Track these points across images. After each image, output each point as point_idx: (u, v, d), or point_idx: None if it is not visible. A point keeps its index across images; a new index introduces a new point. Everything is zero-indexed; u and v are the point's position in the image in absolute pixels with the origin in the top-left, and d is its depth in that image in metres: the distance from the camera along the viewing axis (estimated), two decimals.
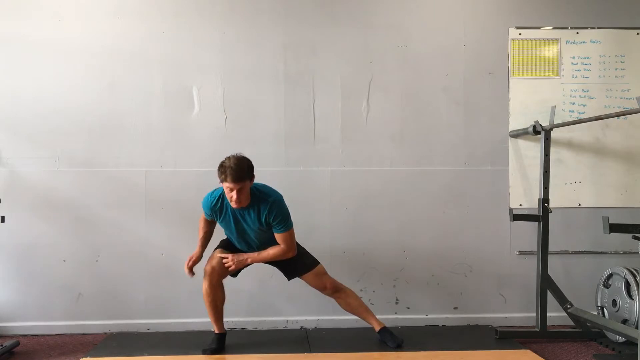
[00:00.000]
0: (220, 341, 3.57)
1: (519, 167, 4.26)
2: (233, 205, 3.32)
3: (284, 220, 3.40)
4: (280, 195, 3.44)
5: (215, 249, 3.59)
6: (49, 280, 4.04)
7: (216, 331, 3.59)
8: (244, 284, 4.13)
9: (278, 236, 3.43)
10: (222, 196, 3.43)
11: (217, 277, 3.50)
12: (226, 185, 3.27)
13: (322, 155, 4.17)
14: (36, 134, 4.06)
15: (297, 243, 3.52)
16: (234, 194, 3.26)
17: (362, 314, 3.69)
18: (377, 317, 3.71)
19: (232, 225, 3.46)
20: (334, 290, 3.61)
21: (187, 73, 4.14)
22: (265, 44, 4.17)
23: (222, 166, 3.28)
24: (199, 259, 3.56)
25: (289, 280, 3.66)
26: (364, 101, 4.21)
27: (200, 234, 3.61)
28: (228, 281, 4.14)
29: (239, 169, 3.23)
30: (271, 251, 3.47)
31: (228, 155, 3.31)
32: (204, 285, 3.49)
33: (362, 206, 4.18)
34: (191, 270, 3.51)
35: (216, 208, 3.44)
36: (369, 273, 4.16)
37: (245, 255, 3.49)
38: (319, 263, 3.60)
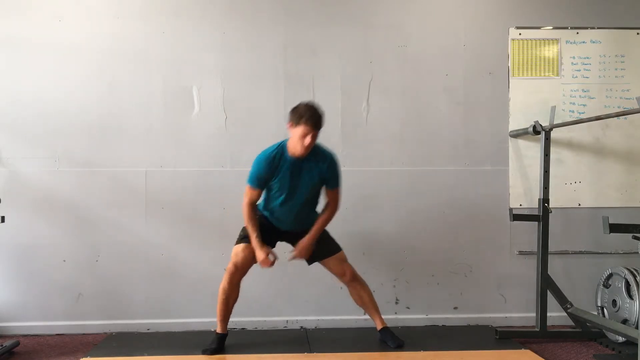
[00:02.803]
0: (221, 342, 3.56)
1: (519, 167, 4.26)
2: (302, 150, 3.31)
3: (339, 177, 3.52)
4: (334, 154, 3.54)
5: (238, 242, 3.53)
6: (49, 280, 4.04)
7: (218, 331, 3.57)
8: (244, 284, 4.13)
9: (331, 192, 3.51)
10: (278, 150, 3.40)
11: (240, 276, 3.48)
12: (302, 131, 3.26)
13: None
14: (36, 134, 4.06)
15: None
16: (308, 139, 3.27)
17: (369, 309, 3.69)
18: None
19: (287, 180, 3.40)
20: (352, 278, 3.60)
21: (187, 73, 4.14)
22: (265, 44, 4.17)
23: (299, 110, 3.30)
24: (269, 251, 3.46)
25: (309, 264, 3.63)
26: (364, 101, 4.21)
27: (251, 222, 3.48)
28: None
29: (320, 116, 3.30)
30: (321, 220, 3.53)
31: (299, 103, 3.36)
32: (223, 283, 3.46)
33: (362, 206, 4.18)
34: (272, 263, 3.46)
35: (275, 162, 3.39)
36: (369, 273, 4.15)
37: (306, 242, 3.49)
38: (341, 249, 3.62)
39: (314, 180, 3.44)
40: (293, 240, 3.56)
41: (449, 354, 3.48)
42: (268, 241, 3.51)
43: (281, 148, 3.41)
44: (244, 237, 3.52)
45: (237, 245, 3.52)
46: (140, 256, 4.09)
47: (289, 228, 3.58)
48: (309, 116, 3.26)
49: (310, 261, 3.61)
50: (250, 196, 3.48)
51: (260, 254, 3.41)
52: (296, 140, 3.31)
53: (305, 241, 3.49)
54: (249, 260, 3.46)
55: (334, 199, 3.53)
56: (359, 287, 3.64)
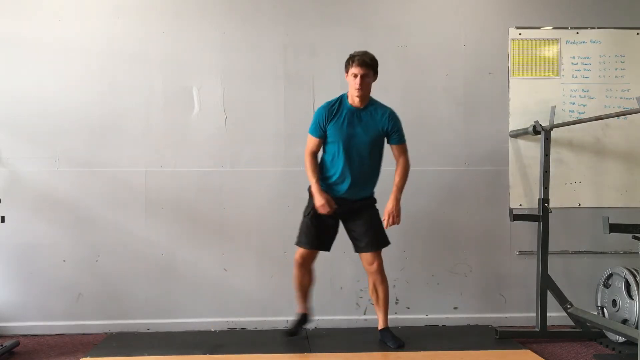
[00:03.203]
0: (301, 320, 3.78)
1: (519, 167, 4.26)
2: (355, 93, 3.42)
3: (401, 131, 3.53)
4: None
5: (300, 232, 3.60)
6: (49, 280, 4.04)
7: (298, 311, 3.78)
8: (244, 283, 4.14)
9: (397, 147, 3.54)
10: (338, 99, 3.54)
11: (307, 265, 3.64)
12: (352, 72, 3.43)
13: None
14: (36, 134, 4.06)
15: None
16: (357, 80, 3.37)
17: (379, 306, 3.67)
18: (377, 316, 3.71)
19: (344, 127, 3.47)
20: (378, 270, 3.58)
21: (187, 73, 4.14)
22: (265, 44, 4.17)
23: (350, 56, 3.47)
24: (328, 197, 3.50)
25: (357, 251, 3.62)
26: None
27: (311, 168, 3.55)
28: (228, 281, 4.15)
29: (366, 56, 3.42)
30: (398, 178, 3.54)
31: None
32: (295, 270, 3.64)
33: None
34: (331, 209, 3.49)
35: (333, 109, 3.50)
36: None
37: (392, 207, 3.51)
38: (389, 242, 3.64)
39: (372, 132, 3.48)
40: (350, 217, 3.56)
41: (449, 354, 3.48)
42: (325, 223, 3.55)
43: (340, 98, 3.55)
44: (307, 218, 3.58)
45: (298, 239, 3.61)
46: (140, 256, 4.09)
47: (346, 192, 3.52)
48: (356, 56, 3.41)
49: (362, 249, 3.58)
50: (311, 145, 3.59)
51: (319, 200, 3.47)
52: (350, 87, 3.44)
53: (390, 206, 3.51)
54: (311, 254, 3.61)
55: (402, 154, 3.55)
56: (379, 281, 3.61)
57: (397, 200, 3.53)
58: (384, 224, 3.55)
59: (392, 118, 3.52)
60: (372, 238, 3.55)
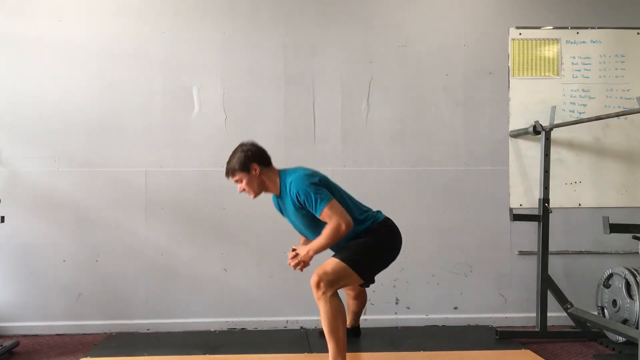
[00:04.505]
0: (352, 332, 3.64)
1: (519, 167, 4.26)
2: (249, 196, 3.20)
3: (311, 196, 2.96)
4: (302, 172, 3.08)
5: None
6: (49, 280, 4.04)
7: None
8: (244, 284, 4.14)
9: (320, 217, 2.99)
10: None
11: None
12: None
13: (322, 155, 4.17)
14: (36, 134, 4.06)
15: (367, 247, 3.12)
16: (238, 187, 3.18)
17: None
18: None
19: (286, 218, 3.27)
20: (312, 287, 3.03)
21: (187, 73, 4.14)
22: (265, 44, 4.17)
23: None
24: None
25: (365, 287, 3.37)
26: (364, 101, 4.21)
27: None
28: (228, 281, 4.15)
29: (229, 165, 3.14)
30: (322, 233, 3.00)
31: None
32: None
33: None
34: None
35: (274, 202, 3.32)
36: None
37: (304, 253, 3.05)
38: (350, 261, 3.09)
39: (293, 211, 3.12)
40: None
41: (449, 354, 3.47)
42: None
43: None
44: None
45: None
46: (140, 256, 4.09)
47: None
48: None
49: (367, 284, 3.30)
50: None
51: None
52: None
53: (303, 253, 3.05)
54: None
55: (330, 219, 2.97)
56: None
57: (313, 251, 3.03)
58: (290, 261, 3.10)
59: (293, 191, 3.02)
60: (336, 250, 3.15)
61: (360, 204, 3.27)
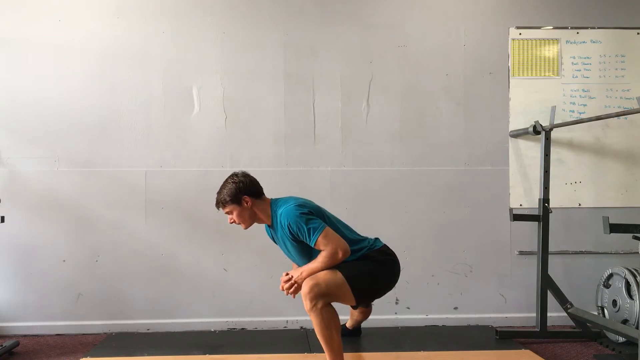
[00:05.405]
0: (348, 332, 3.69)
1: (519, 167, 4.26)
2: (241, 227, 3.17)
3: (303, 227, 2.93)
4: (292, 203, 3.04)
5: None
6: (49, 280, 4.04)
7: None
8: (244, 283, 4.14)
9: (316, 247, 2.95)
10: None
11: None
12: None
13: (322, 155, 4.17)
14: (36, 134, 4.06)
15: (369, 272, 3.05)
16: (229, 218, 3.14)
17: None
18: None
19: (279, 246, 3.24)
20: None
21: (187, 73, 4.13)
22: (265, 44, 4.17)
23: None
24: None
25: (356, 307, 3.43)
26: (364, 101, 4.21)
27: None
28: (228, 281, 4.15)
29: (219, 196, 3.11)
30: (320, 257, 2.94)
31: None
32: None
33: (362, 206, 4.18)
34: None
35: (268, 232, 3.29)
36: None
37: (297, 275, 2.98)
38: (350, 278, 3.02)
39: (288, 242, 3.09)
40: None
41: (449, 354, 3.47)
42: None
43: None
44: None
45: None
46: (140, 256, 4.09)
47: None
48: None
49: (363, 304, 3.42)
50: None
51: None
52: None
53: (297, 275, 2.97)
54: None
55: (324, 247, 2.92)
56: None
57: (306, 273, 2.95)
58: (282, 285, 3.02)
59: (284, 224, 2.99)
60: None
61: (356, 232, 3.23)
